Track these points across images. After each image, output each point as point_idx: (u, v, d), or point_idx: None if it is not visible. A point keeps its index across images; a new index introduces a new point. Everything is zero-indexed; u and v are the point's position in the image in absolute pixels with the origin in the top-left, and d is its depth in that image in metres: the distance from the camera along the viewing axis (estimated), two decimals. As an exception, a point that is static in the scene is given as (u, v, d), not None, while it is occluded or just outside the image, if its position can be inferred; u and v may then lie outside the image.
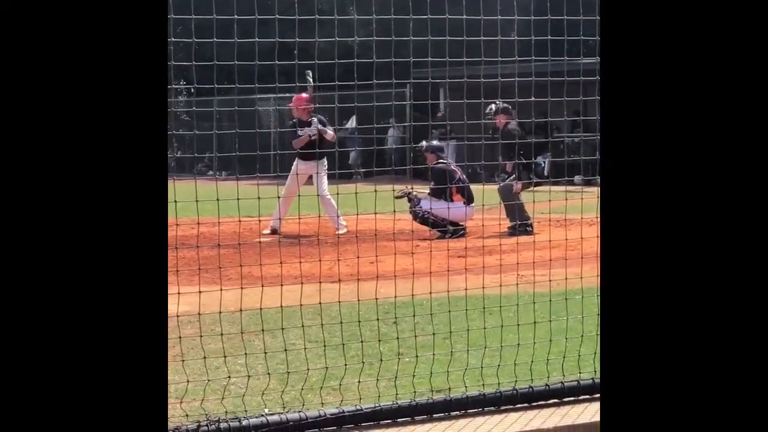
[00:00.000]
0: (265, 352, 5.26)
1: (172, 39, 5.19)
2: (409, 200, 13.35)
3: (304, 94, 14.26)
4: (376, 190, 5.23)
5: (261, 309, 5.14)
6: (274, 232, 13.48)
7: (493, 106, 13.06)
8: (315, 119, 14.10)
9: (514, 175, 13.39)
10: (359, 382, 5.13)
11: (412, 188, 13.74)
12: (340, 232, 12.75)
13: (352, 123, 29.03)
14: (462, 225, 13.31)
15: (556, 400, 5.10)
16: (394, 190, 13.00)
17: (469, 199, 13.60)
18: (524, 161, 12.80)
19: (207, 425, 4.59)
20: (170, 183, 4.79)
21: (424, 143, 14.43)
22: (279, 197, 12.60)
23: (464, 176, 14.15)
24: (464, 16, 5.28)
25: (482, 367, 5.32)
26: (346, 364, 5.28)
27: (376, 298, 5.34)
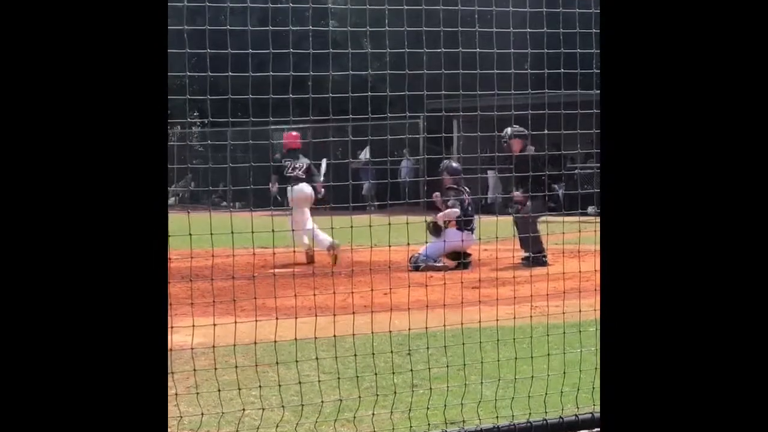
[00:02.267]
0: (279, 384, 5.26)
1: (187, 73, 5.24)
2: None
3: (294, 133, 14.96)
4: (389, 223, 5.24)
5: (275, 341, 5.15)
6: (331, 247, 13.56)
7: (508, 129, 13.04)
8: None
9: (528, 204, 13.35)
10: (373, 414, 5.12)
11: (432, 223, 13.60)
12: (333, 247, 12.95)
13: (365, 154, 29.11)
14: (467, 256, 13.27)
15: (570, 433, 5.09)
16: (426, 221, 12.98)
17: (464, 225, 13.51)
18: (540, 184, 12.72)
19: (221, 457, 4.59)
20: (185, 215, 4.83)
21: (445, 162, 14.39)
22: (296, 229, 12.78)
23: (470, 204, 14.06)
24: (477, 50, 5.30)
25: (496, 399, 5.32)
26: (360, 396, 5.27)
27: (390, 330, 5.34)
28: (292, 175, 14.38)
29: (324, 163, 15.13)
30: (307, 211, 14.22)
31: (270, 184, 14.35)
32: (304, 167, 14.56)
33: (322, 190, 14.68)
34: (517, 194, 13.98)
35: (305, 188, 14.33)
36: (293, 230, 12.43)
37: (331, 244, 13.31)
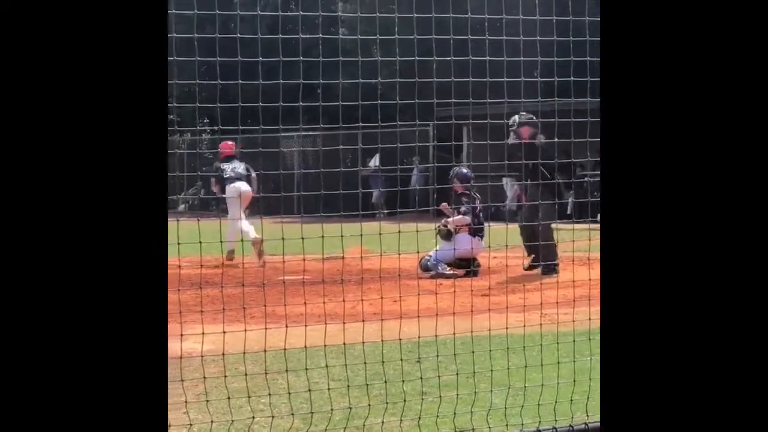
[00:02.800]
0: (289, 392, 5.26)
1: (197, 81, 5.25)
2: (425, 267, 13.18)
3: (229, 142, 16.52)
4: (399, 230, 5.24)
5: (285, 348, 5.15)
6: (231, 253, 13.78)
7: (516, 117, 12.82)
8: None
9: (538, 210, 13.21)
10: (383, 421, 5.12)
11: (441, 226, 13.59)
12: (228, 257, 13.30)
13: (375, 162, 29.13)
14: (476, 263, 13.23)
15: (580, 441, 5.08)
16: (436, 228, 13.00)
17: (475, 232, 13.52)
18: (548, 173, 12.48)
19: (230, 465, 4.58)
20: (195, 222, 4.83)
21: (455, 169, 14.37)
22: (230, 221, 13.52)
23: (481, 211, 14.01)
24: (487, 58, 5.30)
25: (506, 407, 5.31)
26: (369, 404, 5.27)
27: (400, 338, 5.34)
28: (232, 175, 15.78)
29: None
30: (239, 210, 15.36)
31: (212, 186, 16.33)
32: (242, 168, 16.02)
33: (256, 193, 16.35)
34: (516, 188, 13.91)
35: (242, 186, 15.60)
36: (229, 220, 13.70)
37: (232, 251, 13.64)
